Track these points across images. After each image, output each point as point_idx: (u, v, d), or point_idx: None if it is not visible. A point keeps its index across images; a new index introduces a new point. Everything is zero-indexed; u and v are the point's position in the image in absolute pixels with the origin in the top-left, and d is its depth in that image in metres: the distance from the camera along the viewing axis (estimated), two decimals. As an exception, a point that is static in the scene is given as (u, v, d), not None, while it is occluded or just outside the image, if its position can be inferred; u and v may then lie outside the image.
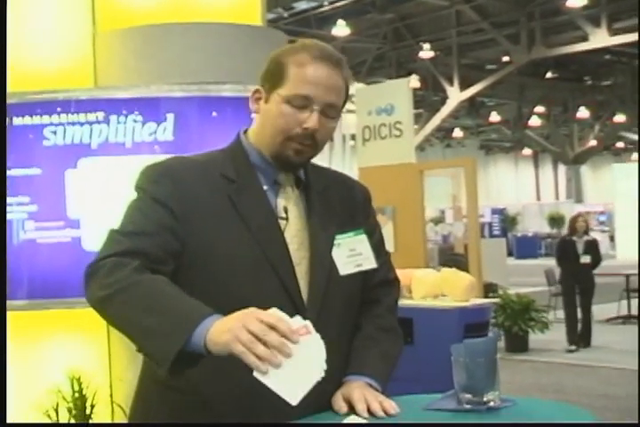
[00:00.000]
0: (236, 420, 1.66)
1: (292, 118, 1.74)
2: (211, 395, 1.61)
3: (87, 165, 3.71)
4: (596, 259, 9.46)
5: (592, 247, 9.48)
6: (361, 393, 1.69)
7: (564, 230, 24.00)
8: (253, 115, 1.86)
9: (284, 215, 1.79)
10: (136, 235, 1.68)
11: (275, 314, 1.46)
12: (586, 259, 9.33)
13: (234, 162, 1.81)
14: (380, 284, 1.93)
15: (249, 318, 1.44)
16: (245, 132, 1.89)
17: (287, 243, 1.76)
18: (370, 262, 1.86)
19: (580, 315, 9.54)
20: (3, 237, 3.38)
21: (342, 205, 1.89)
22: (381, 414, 1.63)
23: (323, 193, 1.87)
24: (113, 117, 3.69)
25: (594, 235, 12.92)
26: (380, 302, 1.93)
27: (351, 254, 1.84)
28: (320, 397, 1.59)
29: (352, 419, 1.53)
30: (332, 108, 1.77)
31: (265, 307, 1.54)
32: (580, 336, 9.51)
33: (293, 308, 1.70)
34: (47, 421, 3.72)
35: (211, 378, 1.63)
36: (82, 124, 3.71)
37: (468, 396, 1.65)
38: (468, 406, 1.65)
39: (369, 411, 1.64)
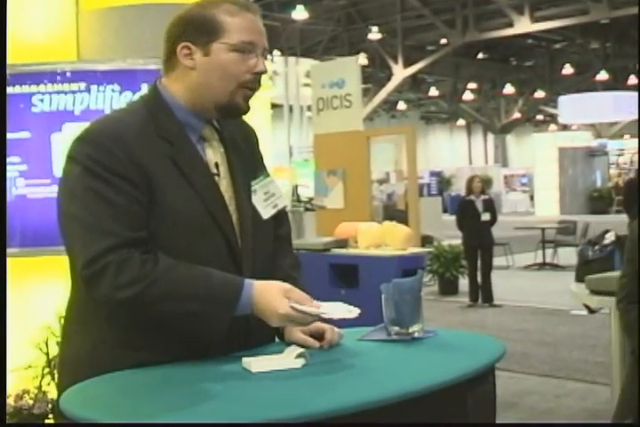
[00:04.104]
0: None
1: (242, 65, 1.62)
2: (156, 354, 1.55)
3: (71, 129, 3.62)
4: (494, 217, 8.79)
5: (490, 206, 8.81)
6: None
7: (491, 190, 24.23)
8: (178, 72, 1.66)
9: (216, 171, 1.67)
10: (117, 222, 1.52)
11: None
12: (486, 216, 8.66)
13: (166, 120, 1.65)
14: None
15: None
16: (160, 83, 1.70)
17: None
18: (282, 200, 1.79)
19: (480, 271, 8.76)
20: (3, 203, 3.32)
21: (247, 149, 1.77)
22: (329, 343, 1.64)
23: (233, 142, 1.74)
24: (94, 87, 3.62)
25: (517, 195, 12.95)
26: (282, 237, 1.84)
27: (267, 197, 1.74)
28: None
29: (292, 349, 1.51)
30: (265, 51, 1.67)
31: (211, 257, 1.59)
32: (481, 292, 8.75)
33: (231, 256, 1.64)
34: (39, 353, 3.70)
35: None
36: (66, 93, 3.63)
37: (396, 328, 1.66)
38: (396, 337, 1.66)
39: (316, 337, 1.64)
